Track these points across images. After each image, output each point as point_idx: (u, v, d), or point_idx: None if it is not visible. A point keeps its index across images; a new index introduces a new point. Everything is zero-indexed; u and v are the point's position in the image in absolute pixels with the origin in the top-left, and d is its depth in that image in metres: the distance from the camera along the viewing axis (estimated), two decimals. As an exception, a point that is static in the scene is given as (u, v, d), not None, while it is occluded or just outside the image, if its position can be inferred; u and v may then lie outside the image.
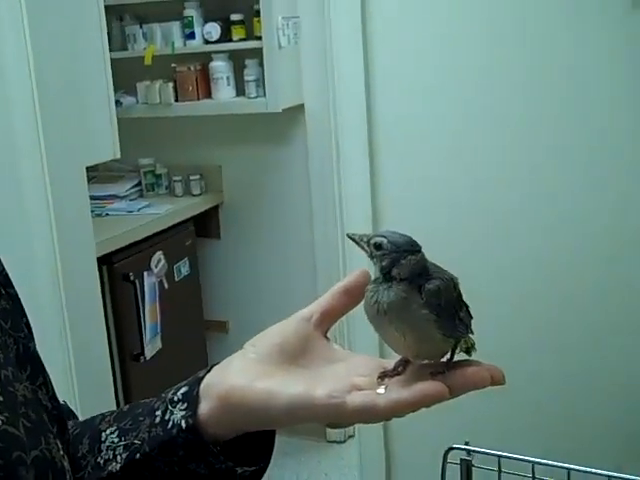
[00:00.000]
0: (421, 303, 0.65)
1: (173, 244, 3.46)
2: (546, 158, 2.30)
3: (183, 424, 0.69)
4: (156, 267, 3.28)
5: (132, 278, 3.10)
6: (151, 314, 3.22)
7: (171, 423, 0.70)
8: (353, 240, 0.69)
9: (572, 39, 2.21)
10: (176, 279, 3.45)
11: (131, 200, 3.66)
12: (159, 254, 3.31)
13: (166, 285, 3.35)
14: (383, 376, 0.67)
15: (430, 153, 2.42)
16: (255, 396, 0.67)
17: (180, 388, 0.72)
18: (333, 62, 2.52)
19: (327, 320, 0.74)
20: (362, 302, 0.69)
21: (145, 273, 3.20)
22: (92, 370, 2.59)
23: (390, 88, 2.42)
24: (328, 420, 0.67)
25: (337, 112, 2.54)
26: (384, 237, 0.67)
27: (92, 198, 2.93)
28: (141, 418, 0.72)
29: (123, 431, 0.73)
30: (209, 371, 0.72)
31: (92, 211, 2.76)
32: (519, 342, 2.41)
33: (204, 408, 0.69)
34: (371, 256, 0.68)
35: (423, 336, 0.65)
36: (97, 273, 2.66)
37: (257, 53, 3.41)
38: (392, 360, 0.69)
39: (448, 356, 0.67)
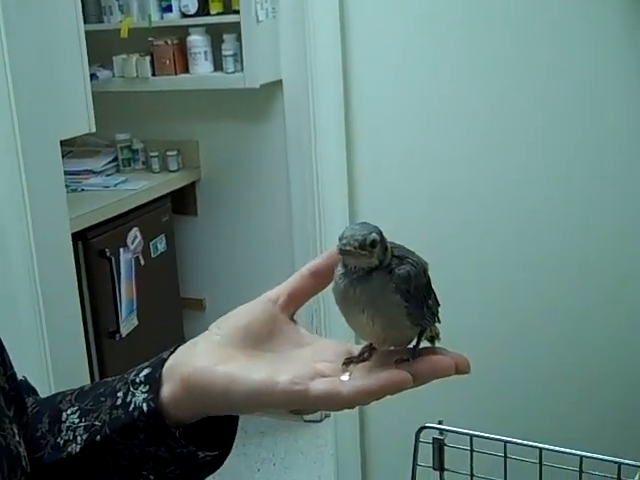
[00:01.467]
0: (392, 288, 0.63)
1: (150, 220, 3.43)
2: (525, 144, 2.28)
3: (145, 407, 0.67)
4: (132, 243, 3.25)
5: (108, 254, 3.07)
6: (127, 291, 3.20)
7: (132, 406, 0.68)
8: (345, 252, 0.64)
9: (556, 26, 2.19)
10: (152, 256, 3.43)
11: (107, 175, 3.62)
12: (135, 230, 3.28)
13: (142, 262, 3.33)
14: (348, 362, 0.66)
15: (408, 130, 2.40)
16: (217, 380, 0.65)
17: (143, 369, 0.70)
18: (311, 37, 2.49)
19: (294, 302, 0.73)
20: (331, 284, 0.67)
21: (121, 249, 3.18)
22: (67, 348, 2.57)
23: (368, 64, 2.39)
24: (291, 407, 0.65)
25: (314, 88, 2.51)
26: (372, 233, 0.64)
27: (68, 173, 2.90)
28: (102, 399, 0.71)
29: (84, 412, 0.71)
30: (173, 352, 0.70)
31: (67, 186, 2.73)
32: (493, 325, 2.40)
33: (166, 391, 0.68)
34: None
35: (392, 322, 0.64)
36: (72, 249, 2.63)
37: (235, 27, 3.37)
38: (359, 345, 0.67)
39: (414, 343, 0.65)
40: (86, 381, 2.70)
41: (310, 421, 3.64)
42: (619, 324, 2.28)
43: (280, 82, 3.47)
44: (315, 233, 3.36)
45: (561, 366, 2.37)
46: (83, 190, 3.42)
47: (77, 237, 2.87)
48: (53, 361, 2.44)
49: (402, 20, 2.33)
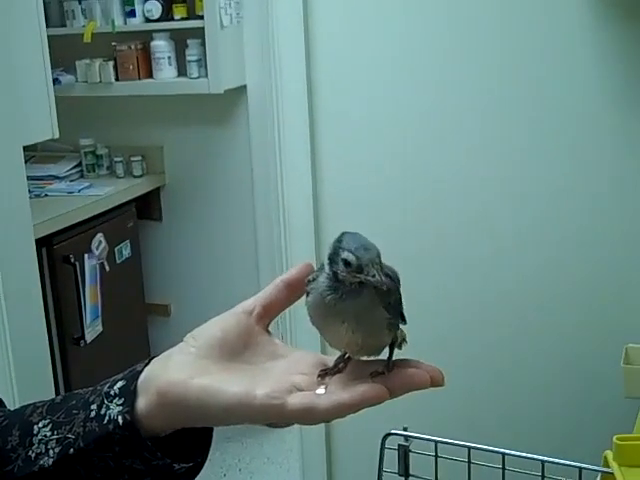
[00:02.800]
0: (378, 302, 0.63)
1: (114, 226, 3.41)
2: (497, 147, 2.31)
3: (120, 420, 0.67)
4: (97, 249, 3.23)
5: (72, 260, 3.05)
6: (92, 297, 3.18)
7: (107, 418, 0.68)
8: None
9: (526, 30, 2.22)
10: (117, 261, 3.41)
11: (71, 181, 3.60)
12: (100, 236, 3.26)
13: (107, 267, 3.31)
14: (324, 374, 0.66)
15: (372, 138, 2.42)
16: (193, 394, 0.65)
17: (117, 381, 0.70)
18: (275, 43, 2.50)
19: (269, 313, 0.73)
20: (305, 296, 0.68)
21: (86, 255, 3.16)
22: (31, 354, 2.54)
23: (333, 71, 2.41)
24: (268, 421, 0.66)
25: (279, 94, 2.52)
26: (350, 253, 0.64)
27: (31, 178, 2.88)
28: (75, 411, 0.70)
29: (56, 424, 0.70)
30: (147, 364, 0.70)
31: (31, 192, 2.71)
32: (458, 332, 2.43)
33: (141, 403, 0.67)
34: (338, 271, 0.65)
35: (372, 332, 0.64)
36: (35, 255, 2.61)
37: (199, 33, 3.36)
38: (332, 356, 0.68)
39: (387, 354, 0.66)
40: (51, 388, 2.68)
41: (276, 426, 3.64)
42: (583, 333, 2.31)
43: (244, 88, 3.48)
44: (280, 238, 3.36)
45: (525, 374, 2.40)
46: (47, 196, 3.39)
47: (41, 243, 2.85)
48: (17, 367, 2.42)
49: (369, 24, 2.35)
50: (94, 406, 0.69)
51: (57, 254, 3.02)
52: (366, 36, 2.35)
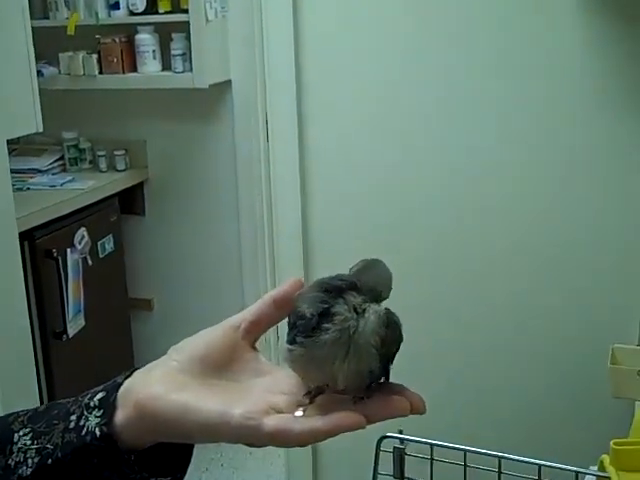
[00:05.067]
0: (383, 335, 0.63)
1: (97, 220, 3.39)
2: (492, 157, 2.31)
3: (97, 432, 0.66)
4: (80, 244, 3.21)
5: (55, 255, 3.03)
6: (74, 291, 3.16)
7: (85, 430, 0.67)
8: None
9: (516, 36, 2.22)
10: (100, 256, 3.39)
11: (54, 174, 3.57)
12: (83, 230, 3.24)
13: (90, 262, 3.29)
14: (308, 394, 0.65)
15: (363, 134, 2.42)
16: (170, 409, 0.65)
17: (97, 393, 0.69)
18: (262, 38, 2.49)
19: (256, 330, 0.72)
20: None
21: (68, 250, 3.13)
22: (13, 348, 2.53)
23: (323, 63, 2.40)
24: (243, 441, 0.65)
25: (266, 88, 2.51)
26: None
27: (13, 171, 2.85)
28: (55, 421, 0.69)
29: (36, 434, 0.70)
30: (129, 376, 0.69)
31: (13, 185, 2.68)
32: (455, 337, 2.43)
33: (120, 416, 0.67)
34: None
35: (366, 368, 0.63)
36: (18, 249, 2.59)
37: (184, 26, 3.34)
38: None
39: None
40: (33, 383, 2.67)
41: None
42: (575, 334, 2.32)
43: (229, 82, 3.46)
44: (264, 234, 3.36)
45: (520, 378, 2.40)
46: (29, 189, 3.37)
47: (23, 237, 2.82)
48: (-1, 363, 2.40)
49: (358, 18, 2.34)
50: (74, 417, 0.68)
51: (39, 248, 2.99)
52: (357, 27, 2.34)
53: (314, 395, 0.65)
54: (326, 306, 0.62)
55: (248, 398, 0.65)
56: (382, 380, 0.65)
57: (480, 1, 2.22)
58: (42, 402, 2.91)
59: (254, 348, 0.72)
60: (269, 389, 0.67)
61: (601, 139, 2.20)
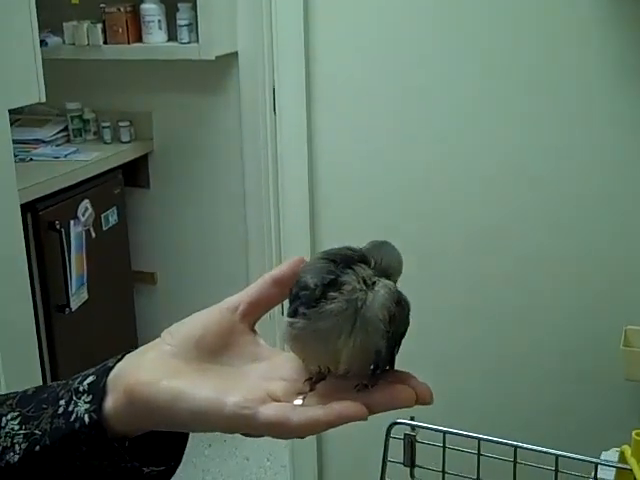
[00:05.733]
0: (392, 311, 0.59)
1: (101, 192, 3.36)
2: (489, 147, 2.27)
3: (86, 418, 0.63)
4: (83, 216, 3.18)
5: (58, 227, 3.00)
6: (77, 264, 3.13)
7: (74, 416, 0.64)
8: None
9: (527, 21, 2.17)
10: (104, 228, 3.36)
11: (57, 145, 3.53)
12: (86, 202, 3.21)
13: (93, 234, 3.26)
14: (310, 380, 0.62)
15: (369, 111, 2.37)
16: (161, 396, 0.61)
17: (87, 377, 0.66)
18: (270, 8, 2.44)
19: (255, 311, 0.68)
20: None
21: (71, 222, 3.10)
22: (15, 322, 2.50)
23: (330, 43, 2.35)
24: (238, 431, 0.61)
25: (274, 61, 2.46)
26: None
27: (16, 142, 2.81)
28: (44, 406, 0.66)
29: (25, 418, 0.66)
30: (120, 360, 0.66)
31: (15, 155, 2.64)
32: (469, 322, 2.39)
33: (109, 402, 0.63)
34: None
35: (373, 346, 0.59)
36: (21, 221, 2.56)
37: (190, -4, 3.29)
38: None
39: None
40: (35, 357, 2.64)
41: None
42: (588, 326, 2.28)
43: (236, 54, 3.41)
44: (269, 207, 3.33)
45: (539, 366, 2.36)
46: (32, 160, 3.33)
47: (26, 209, 2.79)
48: (1, 335, 2.38)
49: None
50: (62, 402, 0.65)
51: (42, 220, 2.96)
52: (372, 9, 2.29)
53: (315, 381, 0.62)
54: (333, 277, 0.58)
55: (244, 385, 0.61)
56: (387, 368, 0.61)
57: (489, 5, 2.16)
58: (44, 375, 2.89)
59: (253, 331, 0.68)
60: (267, 375, 0.63)
61: (621, 149, 2.15)
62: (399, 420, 1.08)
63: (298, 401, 0.60)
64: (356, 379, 0.60)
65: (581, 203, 2.21)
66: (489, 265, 2.34)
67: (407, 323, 0.61)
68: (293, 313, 0.59)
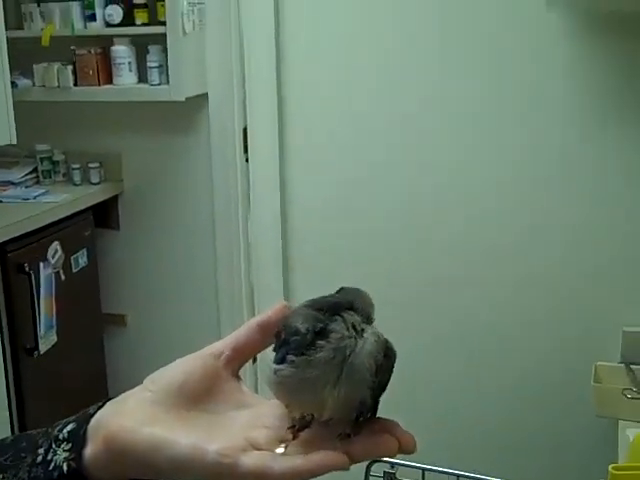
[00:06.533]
0: (379, 360, 0.59)
1: (71, 234, 3.34)
2: (463, 149, 2.29)
3: (65, 467, 0.62)
4: (53, 258, 3.15)
5: (27, 269, 2.97)
6: (46, 307, 3.10)
7: (53, 464, 0.63)
8: None
9: (485, 36, 2.21)
10: (73, 270, 3.33)
11: (27, 187, 3.52)
12: (56, 244, 3.18)
13: (63, 277, 3.23)
14: (293, 427, 0.61)
15: (346, 147, 2.39)
16: (141, 443, 0.61)
17: (68, 424, 0.65)
18: (241, 50, 2.46)
19: (240, 357, 0.68)
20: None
21: (41, 264, 3.08)
22: (-17, 365, 2.47)
23: (305, 75, 2.37)
24: (220, 479, 0.60)
25: (245, 102, 2.48)
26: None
27: (-16, 184, 2.80)
28: (23, 454, 0.65)
29: (2, 467, 0.65)
30: (101, 407, 0.65)
31: (-16, 198, 2.64)
32: (447, 357, 2.40)
33: (89, 450, 0.63)
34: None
35: (358, 396, 0.59)
36: (-11, 263, 2.54)
37: (161, 38, 3.30)
38: None
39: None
40: (3, 400, 2.61)
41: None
42: (564, 352, 2.29)
43: (206, 96, 3.42)
44: (239, 249, 3.32)
45: (517, 402, 2.37)
46: (1, 202, 3.31)
47: (-6, 251, 2.77)
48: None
49: (340, 28, 2.32)
50: (41, 450, 0.64)
51: (11, 262, 2.94)
52: (340, 38, 2.32)
53: (298, 429, 0.61)
54: (321, 325, 0.58)
55: (226, 433, 0.61)
56: (369, 415, 0.61)
57: (465, 16, 2.20)
58: (12, 419, 2.85)
59: (237, 377, 0.68)
60: (250, 422, 0.63)
61: (605, 157, 2.18)
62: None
63: (280, 449, 0.60)
64: (339, 426, 0.60)
65: (552, 244, 2.23)
66: (455, 311, 2.35)
67: (391, 373, 0.61)
68: (282, 359, 0.59)
